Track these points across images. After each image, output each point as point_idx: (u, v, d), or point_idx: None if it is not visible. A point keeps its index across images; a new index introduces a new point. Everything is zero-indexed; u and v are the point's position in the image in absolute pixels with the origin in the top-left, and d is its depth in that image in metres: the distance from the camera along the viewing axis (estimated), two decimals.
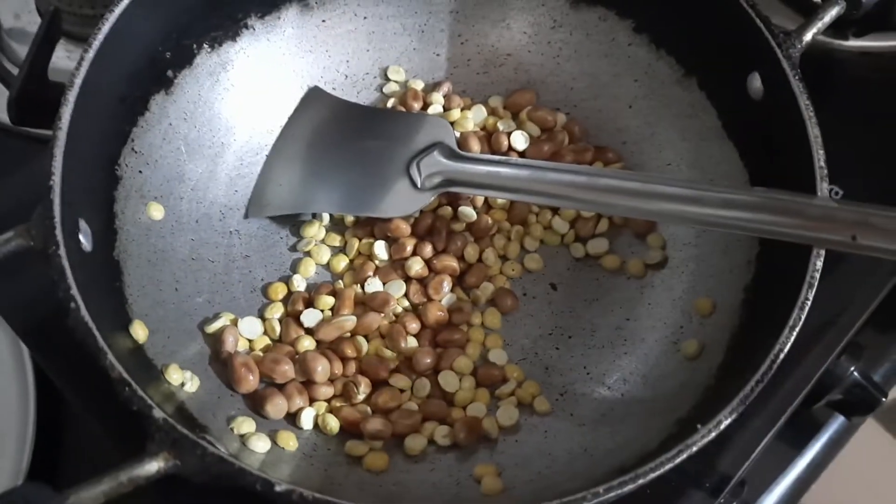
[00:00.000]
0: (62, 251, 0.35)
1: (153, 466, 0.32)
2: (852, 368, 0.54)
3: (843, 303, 0.50)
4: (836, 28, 0.49)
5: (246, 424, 0.41)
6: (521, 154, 0.51)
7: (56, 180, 0.37)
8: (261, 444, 0.40)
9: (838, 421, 0.59)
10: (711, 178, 0.48)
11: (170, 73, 0.47)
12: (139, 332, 0.41)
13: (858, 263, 0.51)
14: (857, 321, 0.50)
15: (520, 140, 0.51)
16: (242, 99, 0.50)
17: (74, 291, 0.35)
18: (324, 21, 0.52)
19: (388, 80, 0.54)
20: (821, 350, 0.49)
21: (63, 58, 0.55)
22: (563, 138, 0.51)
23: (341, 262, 0.49)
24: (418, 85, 0.53)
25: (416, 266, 0.48)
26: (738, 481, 0.46)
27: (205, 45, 0.48)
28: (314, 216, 0.50)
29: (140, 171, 0.45)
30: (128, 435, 0.42)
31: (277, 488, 0.32)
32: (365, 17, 0.52)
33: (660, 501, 0.44)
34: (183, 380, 0.41)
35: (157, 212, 0.46)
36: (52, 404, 0.52)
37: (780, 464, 0.58)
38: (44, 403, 0.51)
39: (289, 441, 0.41)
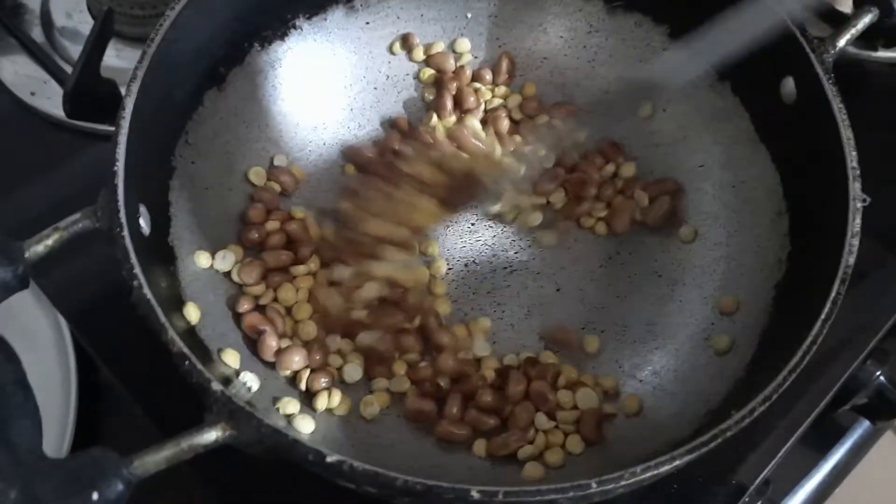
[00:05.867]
0: (126, 232, 0.37)
1: (212, 435, 0.33)
2: (878, 373, 0.55)
3: (870, 309, 0.51)
4: (866, 39, 0.50)
5: (291, 405, 0.42)
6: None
7: (120, 166, 0.39)
8: (305, 425, 0.42)
9: (863, 425, 0.60)
10: (743, 181, 0.49)
11: (222, 69, 0.49)
12: (192, 313, 0.42)
13: (885, 272, 0.52)
14: (883, 327, 0.51)
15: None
16: (289, 96, 0.52)
17: (137, 270, 0.36)
18: (367, 23, 0.53)
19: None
20: (847, 354, 0.50)
21: (112, 56, 0.57)
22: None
23: None
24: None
25: None
26: (763, 480, 0.47)
27: (255, 44, 0.50)
28: None
29: (193, 162, 0.47)
30: (167, 415, 0.45)
31: (329, 459, 0.33)
32: (407, 21, 0.54)
33: (687, 497, 0.45)
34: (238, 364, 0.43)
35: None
36: (91, 387, 0.53)
37: (805, 466, 0.58)
38: (83, 386, 0.53)
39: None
